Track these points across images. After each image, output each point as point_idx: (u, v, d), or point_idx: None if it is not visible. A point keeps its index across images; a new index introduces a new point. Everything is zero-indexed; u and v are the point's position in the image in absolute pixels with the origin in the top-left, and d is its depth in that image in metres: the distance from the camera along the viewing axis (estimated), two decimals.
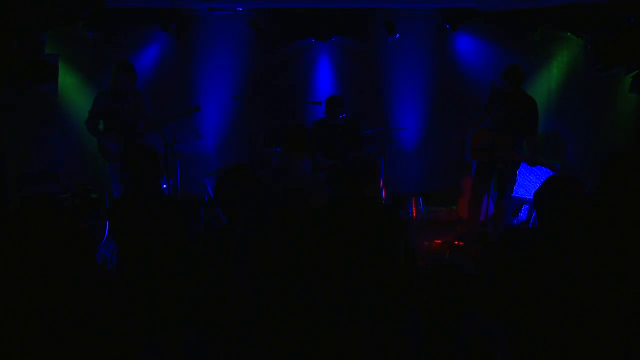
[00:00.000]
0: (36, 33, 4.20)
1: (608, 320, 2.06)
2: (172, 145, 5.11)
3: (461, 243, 5.62)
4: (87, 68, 6.19)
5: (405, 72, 6.57)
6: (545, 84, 6.45)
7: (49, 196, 2.35)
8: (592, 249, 2.32)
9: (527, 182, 6.11)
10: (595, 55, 4.36)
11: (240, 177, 2.58)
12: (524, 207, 6.14)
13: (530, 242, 2.39)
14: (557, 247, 2.37)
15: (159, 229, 3.07)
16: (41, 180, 5.42)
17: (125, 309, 2.55)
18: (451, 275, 1.98)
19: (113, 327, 2.33)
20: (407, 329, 3.03)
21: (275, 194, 3.27)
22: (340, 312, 2.79)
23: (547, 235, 2.38)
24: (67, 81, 6.12)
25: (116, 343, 1.51)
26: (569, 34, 6.06)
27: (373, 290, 2.85)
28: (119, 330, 2.41)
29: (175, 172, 5.42)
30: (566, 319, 2.01)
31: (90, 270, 1.48)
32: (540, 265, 2.34)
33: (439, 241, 5.90)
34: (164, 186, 5.34)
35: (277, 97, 6.36)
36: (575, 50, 6.16)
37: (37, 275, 1.42)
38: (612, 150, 4.88)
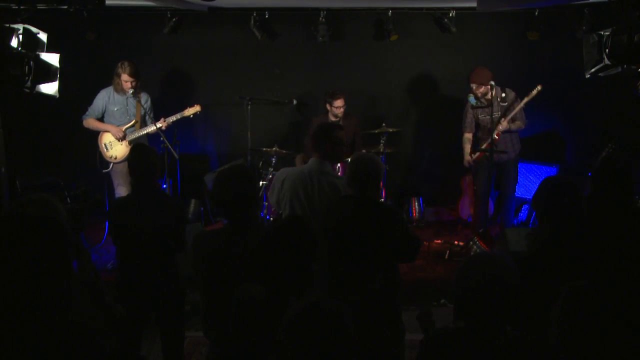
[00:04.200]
0: (35, 33, 4.19)
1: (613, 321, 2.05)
2: (172, 145, 5.11)
3: (461, 243, 5.62)
4: (87, 68, 6.18)
5: (405, 72, 6.57)
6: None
7: (49, 197, 2.36)
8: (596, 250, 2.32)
9: (527, 182, 6.11)
10: (596, 55, 4.35)
11: (238, 177, 2.58)
12: (524, 207, 6.14)
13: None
14: (559, 247, 2.37)
15: (159, 229, 3.07)
16: (42, 181, 5.43)
17: (124, 309, 2.55)
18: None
19: (111, 328, 2.33)
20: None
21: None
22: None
23: (548, 236, 2.38)
24: (67, 81, 6.10)
25: (113, 344, 1.51)
26: (569, 33, 6.05)
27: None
28: (116, 330, 2.41)
29: (175, 172, 5.42)
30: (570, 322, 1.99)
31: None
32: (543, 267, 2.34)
33: (439, 241, 5.90)
34: (164, 186, 5.34)
35: (277, 97, 6.36)
36: (575, 49, 6.14)
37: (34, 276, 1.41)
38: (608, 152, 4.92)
